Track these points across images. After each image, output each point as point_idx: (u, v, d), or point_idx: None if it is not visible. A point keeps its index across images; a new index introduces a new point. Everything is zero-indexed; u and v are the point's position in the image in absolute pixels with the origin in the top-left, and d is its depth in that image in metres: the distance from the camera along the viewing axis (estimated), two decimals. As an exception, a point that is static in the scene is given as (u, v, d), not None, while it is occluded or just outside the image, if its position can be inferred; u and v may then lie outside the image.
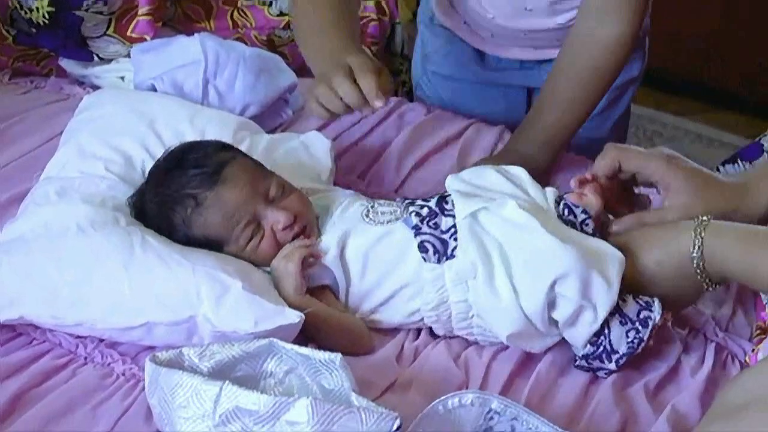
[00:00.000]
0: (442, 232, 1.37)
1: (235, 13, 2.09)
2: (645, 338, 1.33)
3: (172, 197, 1.40)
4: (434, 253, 1.36)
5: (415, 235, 1.37)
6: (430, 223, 1.38)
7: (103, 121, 1.61)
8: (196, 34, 1.78)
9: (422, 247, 1.36)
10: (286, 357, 1.24)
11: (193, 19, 2.07)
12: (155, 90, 1.74)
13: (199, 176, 1.40)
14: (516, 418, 1.19)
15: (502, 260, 1.33)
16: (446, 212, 1.39)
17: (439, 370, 1.34)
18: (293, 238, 1.40)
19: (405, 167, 1.74)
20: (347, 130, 1.80)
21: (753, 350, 1.40)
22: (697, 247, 1.30)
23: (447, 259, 1.36)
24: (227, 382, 1.13)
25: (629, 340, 1.33)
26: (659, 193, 1.43)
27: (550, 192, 1.43)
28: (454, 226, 1.37)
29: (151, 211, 1.43)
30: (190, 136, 1.57)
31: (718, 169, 1.74)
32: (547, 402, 1.31)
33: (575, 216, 1.40)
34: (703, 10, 3.39)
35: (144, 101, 1.67)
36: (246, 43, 1.92)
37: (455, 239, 1.36)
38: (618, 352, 1.33)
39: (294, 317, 1.31)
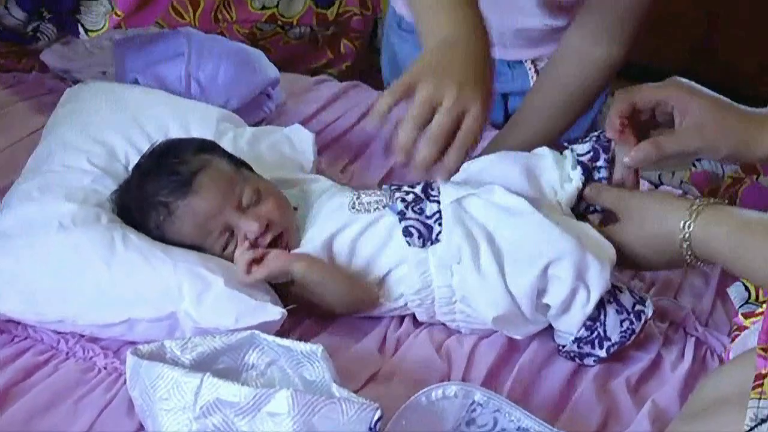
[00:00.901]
0: (427, 217, 1.38)
1: (218, 7, 2.09)
2: (637, 330, 1.34)
3: (147, 202, 1.40)
4: (419, 238, 1.36)
5: (400, 221, 1.38)
6: (415, 209, 1.38)
7: (86, 114, 1.61)
8: (178, 29, 1.78)
9: (407, 232, 1.37)
10: (267, 349, 1.24)
11: (179, 15, 2.07)
12: (137, 84, 1.74)
13: (172, 184, 1.39)
14: (498, 410, 1.19)
15: (489, 244, 1.34)
16: (431, 198, 1.39)
17: (421, 360, 1.34)
18: (270, 244, 1.40)
19: (389, 161, 1.74)
20: (330, 125, 1.80)
21: (725, 349, 1.41)
22: (687, 231, 1.29)
23: (431, 243, 1.36)
24: (208, 374, 1.13)
25: (623, 329, 1.34)
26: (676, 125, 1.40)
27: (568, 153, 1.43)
28: (439, 211, 1.38)
29: (129, 211, 1.43)
30: (174, 130, 1.57)
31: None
32: (529, 394, 1.31)
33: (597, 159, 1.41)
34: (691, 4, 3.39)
35: (127, 95, 1.67)
36: (227, 37, 1.91)
37: (440, 224, 1.37)
38: (610, 340, 1.34)
39: (276, 314, 1.31)
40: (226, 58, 1.74)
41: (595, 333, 1.34)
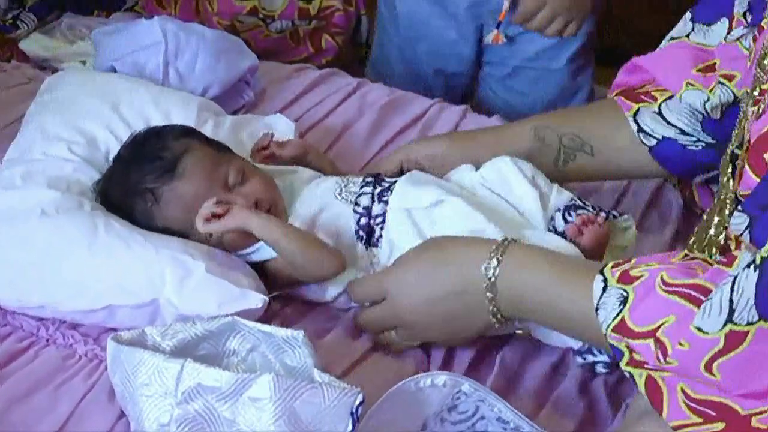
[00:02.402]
0: (372, 219, 1.38)
1: (199, -3, 2.10)
2: None
3: (132, 190, 1.40)
4: (363, 240, 1.38)
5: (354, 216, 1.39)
6: (364, 206, 1.39)
7: (66, 103, 1.60)
8: (155, 17, 1.77)
9: (355, 230, 1.38)
10: (248, 335, 1.24)
11: (159, 5, 2.07)
12: (116, 72, 1.73)
13: (156, 170, 1.39)
14: (482, 400, 1.20)
15: None
16: (381, 199, 1.39)
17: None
18: None
19: (370, 148, 1.74)
20: (309, 111, 1.80)
21: None
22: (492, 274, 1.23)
23: (372, 247, 1.38)
24: (189, 359, 1.13)
25: None
26: None
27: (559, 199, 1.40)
28: (384, 214, 1.38)
29: (113, 200, 1.42)
30: (155, 118, 1.57)
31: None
32: (511, 388, 1.31)
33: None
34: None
35: (107, 83, 1.66)
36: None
37: (382, 228, 1.37)
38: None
39: (258, 301, 1.31)
40: (204, 45, 1.73)
41: None
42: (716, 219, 1.24)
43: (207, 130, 1.56)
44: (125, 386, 1.16)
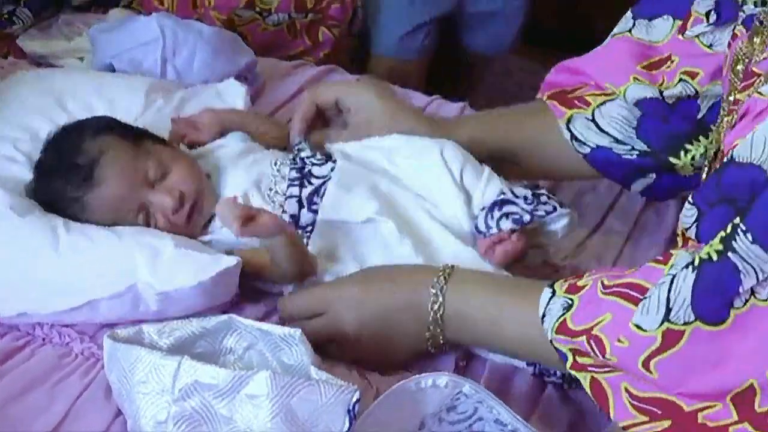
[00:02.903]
0: (300, 228, 1.38)
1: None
2: None
3: (60, 199, 1.39)
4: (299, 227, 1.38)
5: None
6: (291, 213, 1.39)
7: (12, 103, 1.60)
8: (153, 14, 1.77)
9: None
10: (245, 333, 1.23)
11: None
12: (113, 69, 1.74)
13: (75, 179, 1.38)
14: (481, 401, 1.19)
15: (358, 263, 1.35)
16: (311, 206, 1.39)
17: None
18: (188, 218, 1.39)
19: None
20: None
21: None
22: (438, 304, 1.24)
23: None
24: (186, 357, 1.13)
25: None
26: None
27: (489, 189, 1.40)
28: (313, 224, 1.38)
29: (47, 206, 1.41)
30: (99, 108, 1.57)
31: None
32: (503, 389, 1.30)
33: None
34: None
35: (52, 79, 1.67)
36: (205, 23, 1.91)
37: (309, 238, 1.37)
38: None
39: (232, 260, 1.31)
40: (202, 42, 1.73)
41: None
42: None
43: (153, 111, 1.57)
44: (122, 384, 1.16)
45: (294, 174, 1.42)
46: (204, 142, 1.52)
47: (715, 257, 1.00)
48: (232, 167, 1.45)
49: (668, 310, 1.01)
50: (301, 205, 1.39)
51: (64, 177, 1.39)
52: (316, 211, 1.38)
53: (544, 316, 1.15)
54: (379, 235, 1.36)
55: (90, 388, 1.24)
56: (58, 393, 1.23)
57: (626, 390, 1.06)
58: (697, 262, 1.02)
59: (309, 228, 1.38)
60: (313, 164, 1.44)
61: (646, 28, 1.44)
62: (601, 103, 1.44)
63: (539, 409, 1.28)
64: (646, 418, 1.04)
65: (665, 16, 1.42)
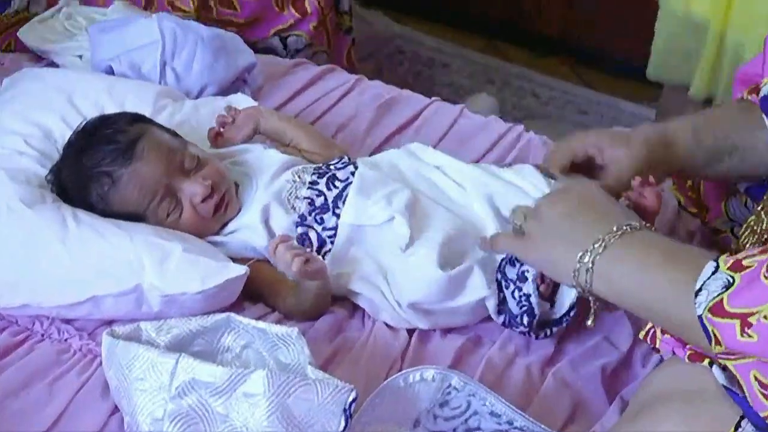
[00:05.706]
0: (325, 229, 1.39)
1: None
2: (530, 292, 1.31)
3: (87, 175, 1.40)
4: (312, 248, 1.38)
5: (297, 226, 1.40)
6: (317, 217, 1.40)
7: (23, 99, 1.61)
8: (153, 15, 1.77)
9: (300, 239, 1.39)
10: (243, 332, 1.24)
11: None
12: (113, 71, 1.73)
13: (113, 153, 1.39)
14: (473, 394, 1.20)
15: (381, 274, 1.37)
16: (335, 210, 1.40)
17: (385, 343, 1.35)
18: (214, 210, 1.41)
19: (366, 146, 1.74)
20: (306, 109, 1.80)
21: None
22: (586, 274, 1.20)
23: (322, 255, 1.38)
24: (183, 354, 1.14)
25: (517, 300, 1.32)
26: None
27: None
28: (336, 228, 1.39)
29: (68, 188, 1.42)
30: (109, 107, 1.57)
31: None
32: (499, 382, 1.31)
33: None
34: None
35: (62, 77, 1.68)
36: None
37: (332, 242, 1.39)
38: (517, 317, 1.33)
39: (240, 270, 1.32)
40: (201, 44, 1.73)
41: (507, 315, 1.34)
42: None
43: (165, 116, 1.57)
44: (120, 380, 1.17)
45: (314, 178, 1.44)
46: (235, 141, 1.54)
47: None
48: (257, 177, 1.46)
49: None
50: (327, 207, 1.40)
51: (100, 150, 1.39)
52: (338, 216, 1.39)
53: (700, 289, 1.10)
54: (393, 235, 1.37)
55: (88, 385, 1.25)
56: (57, 389, 1.24)
57: (756, 379, 1.03)
58: None
59: (333, 232, 1.39)
60: (337, 168, 1.45)
61: None
62: None
63: (536, 401, 1.29)
64: None
65: None
